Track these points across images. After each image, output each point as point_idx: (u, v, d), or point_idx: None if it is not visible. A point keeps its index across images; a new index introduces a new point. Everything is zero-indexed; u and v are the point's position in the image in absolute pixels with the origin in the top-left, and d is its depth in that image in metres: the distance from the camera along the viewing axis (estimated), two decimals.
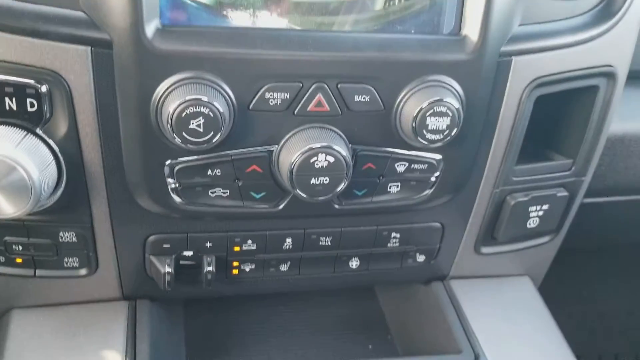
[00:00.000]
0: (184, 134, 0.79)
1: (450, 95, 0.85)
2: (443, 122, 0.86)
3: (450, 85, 0.87)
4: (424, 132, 0.86)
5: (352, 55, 0.83)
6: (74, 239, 0.96)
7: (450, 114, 0.85)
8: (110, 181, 0.91)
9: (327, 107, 0.86)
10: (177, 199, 0.91)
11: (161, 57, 0.78)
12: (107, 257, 1.00)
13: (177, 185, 0.90)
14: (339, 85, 0.85)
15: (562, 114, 1.10)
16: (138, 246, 0.99)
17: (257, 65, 0.81)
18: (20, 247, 0.96)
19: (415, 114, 0.85)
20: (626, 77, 1.04)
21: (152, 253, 1.00)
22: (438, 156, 0.94)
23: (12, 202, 0.80)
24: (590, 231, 1.47)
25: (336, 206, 0.97)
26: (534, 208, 1.10)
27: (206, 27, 0.82)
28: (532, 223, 1.13)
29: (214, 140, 0.80)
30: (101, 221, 0.95)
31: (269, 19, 0.83)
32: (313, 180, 0.86)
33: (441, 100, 0.84)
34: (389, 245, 1.09)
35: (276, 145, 0.88)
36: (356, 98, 0.86)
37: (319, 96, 0.85)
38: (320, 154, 0.85)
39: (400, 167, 0.94)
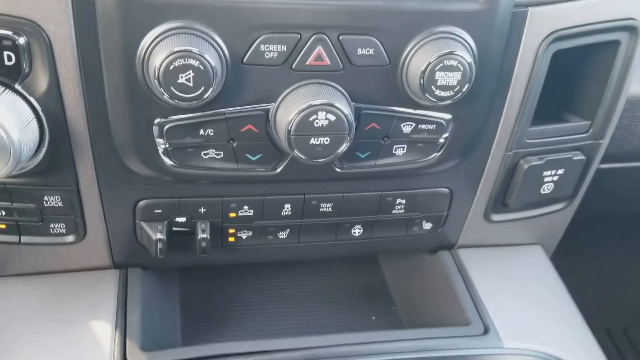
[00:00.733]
0: (172, 89, 0.75)
1: (462, 48, 0.81)
2: (453, 78, 0.81)
3: (461, 37, 0.82)
4: (433, 88, 0.82)
5: (354, 3, 0.79)
6: (60, 204, 0.93)
7: (462, 69, 0.81)
8: (96, 141, 0.88)
9: (327, 61, 0.82)
10: (167, 161, 0.88)
11: (147, 4, 0.74)
12: (96, 223, 0.97)
13: (167, 146, 0.86)
14: (340, 37, 0.80)
15: (579, 72, 1.06)
16: (128, 211, 0.96)
17: (252, 14, 0.77)
18: (4, 212, 0.93)
19: (423, 69, 0.81)
20: None
21: (142, 219, 0.97)
22: (447, 115, 0.90)
23: None
24: (605, 199, 1.44)
25: (337, 169, 0.94)
26: (548, 172, 1.07)
27: None
28: (546, 189, 1.10)
29: (205, 96, 0.77)
30: (87, 184, 0.92)
31: None
32: (312, 141, 0.83)
33: (451, 53, 0.80)
34: (393, 211, 1.06)
35: (273, 103, 0.84)
36: (359, 51, 0.82)
37: (319, 49, 0.81)
38: (320, 112, 0.81)
39: (407, 128, 0.90)
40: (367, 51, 0.82)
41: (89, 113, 0.84)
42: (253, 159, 0.89)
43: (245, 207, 0.99)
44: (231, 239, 1.03)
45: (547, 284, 1.18)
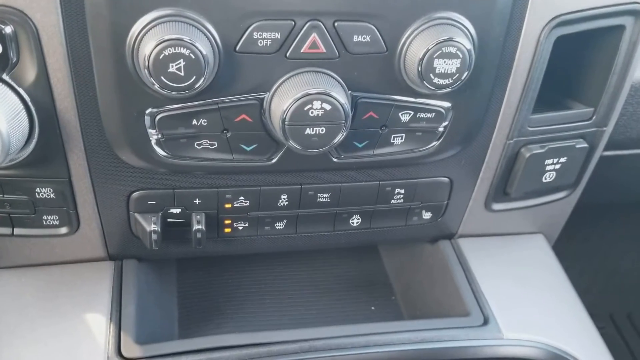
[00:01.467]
0: (162, 78, 0.74)
1: (461, 35, 0.79)
2: (452, 65, 0.80)
3: (460, 23, 0.80)
4: (431, 76, 0.80)
5: None
6: (52, 195, 0.92)
7: (461, 56, 0.79)
8: (88, 132, 0.86)
9: (322, 49, 0.80)
10: (160, 151, 0.86)
11: None
12: (89, 214, 0.96)
13: (159, 136, 0.84)
14: (335, 24, 0.78)
15: (583, 57, 1.03)
16: (121, 203, 0.95)
17: (244, 1, 0.75)
18: None
19: (421, 56, 0.79)
20: None
21: (136, 210, 0.95)
22: (446, 104, 0.89)
23: None
24: (608, 186, 1.43)
25: (334, 159, 0.92)
26: (550, 161, 1.05)
27: None
28: (548, 177, 1.08)
29: (197, 85, 0.75)
30: (80, 176, 0.90)
31: None
32: (308, 131, 0.81)
33: (451, 39, 0.78)
34: (392, 201, 1.04)
35: (267, 92, 0.82)
36: (355, 38, 0.80)
37: (314, 36, 0.79)
38: (315, 101, 0.79)
39: (405, 116, 0.89)
40: (364, 38, 0.80)
41: (79, 103, 0.83)
42: (248, 149, 0.88)
43: (241, 198, 0.97)
44: (227, 230, 1.01)
45: (549, 273, 1.16)
